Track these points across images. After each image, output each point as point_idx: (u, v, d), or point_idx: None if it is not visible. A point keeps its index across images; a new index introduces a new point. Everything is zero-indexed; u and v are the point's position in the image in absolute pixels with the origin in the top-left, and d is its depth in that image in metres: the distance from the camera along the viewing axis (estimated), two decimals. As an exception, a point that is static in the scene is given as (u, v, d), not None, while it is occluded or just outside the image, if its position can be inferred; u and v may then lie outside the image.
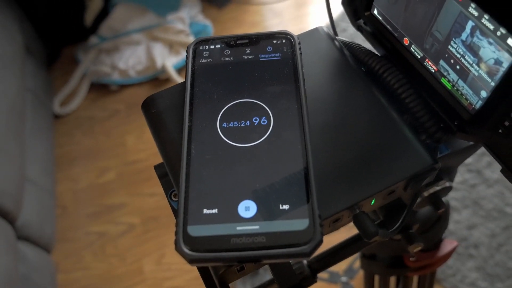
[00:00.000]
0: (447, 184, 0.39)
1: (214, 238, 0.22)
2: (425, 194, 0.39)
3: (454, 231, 1.06)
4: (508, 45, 0.22)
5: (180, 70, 1.35)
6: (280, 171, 0.24)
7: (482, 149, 0.29)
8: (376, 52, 0.31)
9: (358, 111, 0.28)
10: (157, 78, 1.36)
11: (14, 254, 0.80)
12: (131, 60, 1.34)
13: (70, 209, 1.17)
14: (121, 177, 1.22)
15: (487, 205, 1.09)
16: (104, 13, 1.41)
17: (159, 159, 0.29)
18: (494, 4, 0.22)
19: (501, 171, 0.26)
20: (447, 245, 0.49)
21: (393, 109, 0.28)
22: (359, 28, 0.32)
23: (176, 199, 0.29)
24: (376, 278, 0.54)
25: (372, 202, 0.26)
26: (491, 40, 0.22)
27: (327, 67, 0.30)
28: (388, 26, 0.29)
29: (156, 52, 1.33)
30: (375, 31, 0.30)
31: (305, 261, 0.37)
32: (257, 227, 0.22)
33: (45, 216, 1.04)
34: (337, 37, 0.32)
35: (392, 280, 0.53)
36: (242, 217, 0.23)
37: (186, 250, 0.22)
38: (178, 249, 0.22)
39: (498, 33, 0.22)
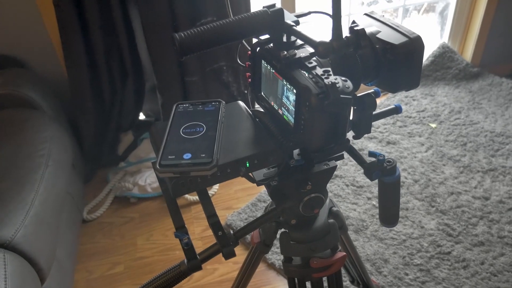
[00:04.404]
0: (318, 195, 0.68)
1: (170, 164, 0.52)
2: (305, 199, 0.67)
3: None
4: (294, 92, 0.55)
5: (187, 188, 1.69)
6: (204, 144, 0.55)
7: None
8: (262, 111, 0.64)
9: (246, 129, 0.60)
10: (168, 193, 1.69)
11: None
12: (148, 179, 1.69)
13: (82, 294, 1.39)
14: (129, 270, 1.45)
15: (436, 298, 1.27)
16: (133, 145, 1.83)
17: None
18: (285, 77, 0.55)
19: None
20: (338, 254, 0.74)
21: (263, 130, 0.60)
22: (257, 102, 0.66)
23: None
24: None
25: (247, 165, 0.56)
26: (290, 92, 0.56)
27: (239, 114, 0.63)
28: (266, 98, 0.63)
29: (169, 173, 1.69)
30: (263, 102, 0.64)
31: (231, 231, 0.64)
32: (190, 161, 0.53)
33: (63, 292, 1.26)
34: (245, 106, 0.66)
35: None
36: (184, 158, 0.53)
37: (158, 168, 0.52)
38: (156, 168, 0.52)
39: (291, 88, 0.55)
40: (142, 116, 1.91)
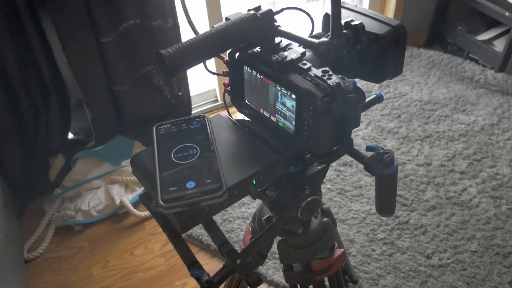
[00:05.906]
0: (315, 197, 0.65)
1: (175, 197, 0.46)
2: (303, 204, 0.64)
3: (379, 288, 1.27)
4: (292, 98, 0.51)
5: (136, 204, 1.58)
6: (204, 168, 0.49)
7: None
8: (249, 119, 0.60)
9: (239, 143, 0.55)
10: (117, 213, 1.57)
11: None
12: (92, 202, 1.56)
13: None
14: (90, 304, 1.33)
15: (404, 268, 1.33)
16: (66, 168, 1.67)
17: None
18: (280, 82, 0.51)
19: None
20: (337, 252, 0.73)
21: (257, 141, 0.56)
22: (241, 111, 0.61)
23: (154, 204, 0.52)
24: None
25: (254, 182, 0.51)
26: (287, 98, 0.52)
27: (226, 127, 0.58)
28: (252, 106, 0.59)
29: (114, 192, 1.57)
30: (248, 110, 0.60)
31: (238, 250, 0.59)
32: (195, 190, 0.47)
33: None
34: (228, 117, 0.61)
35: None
36: (188, 188, 0.47)
37: (162, 204, 0.45)
38: (159, 205, 0.46)
39: (287, 94, 0.51)
40: (70, 135, 1.75)
